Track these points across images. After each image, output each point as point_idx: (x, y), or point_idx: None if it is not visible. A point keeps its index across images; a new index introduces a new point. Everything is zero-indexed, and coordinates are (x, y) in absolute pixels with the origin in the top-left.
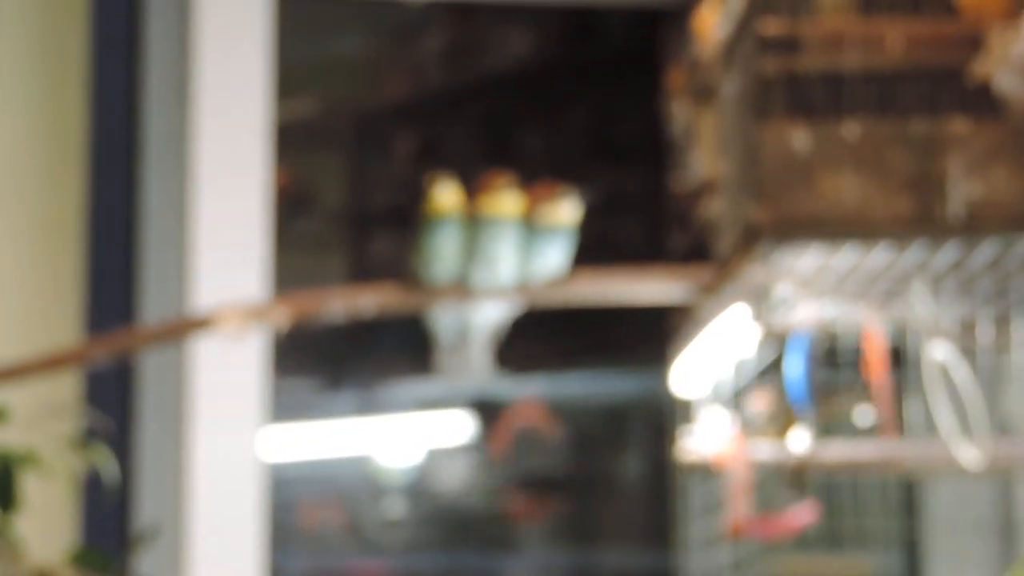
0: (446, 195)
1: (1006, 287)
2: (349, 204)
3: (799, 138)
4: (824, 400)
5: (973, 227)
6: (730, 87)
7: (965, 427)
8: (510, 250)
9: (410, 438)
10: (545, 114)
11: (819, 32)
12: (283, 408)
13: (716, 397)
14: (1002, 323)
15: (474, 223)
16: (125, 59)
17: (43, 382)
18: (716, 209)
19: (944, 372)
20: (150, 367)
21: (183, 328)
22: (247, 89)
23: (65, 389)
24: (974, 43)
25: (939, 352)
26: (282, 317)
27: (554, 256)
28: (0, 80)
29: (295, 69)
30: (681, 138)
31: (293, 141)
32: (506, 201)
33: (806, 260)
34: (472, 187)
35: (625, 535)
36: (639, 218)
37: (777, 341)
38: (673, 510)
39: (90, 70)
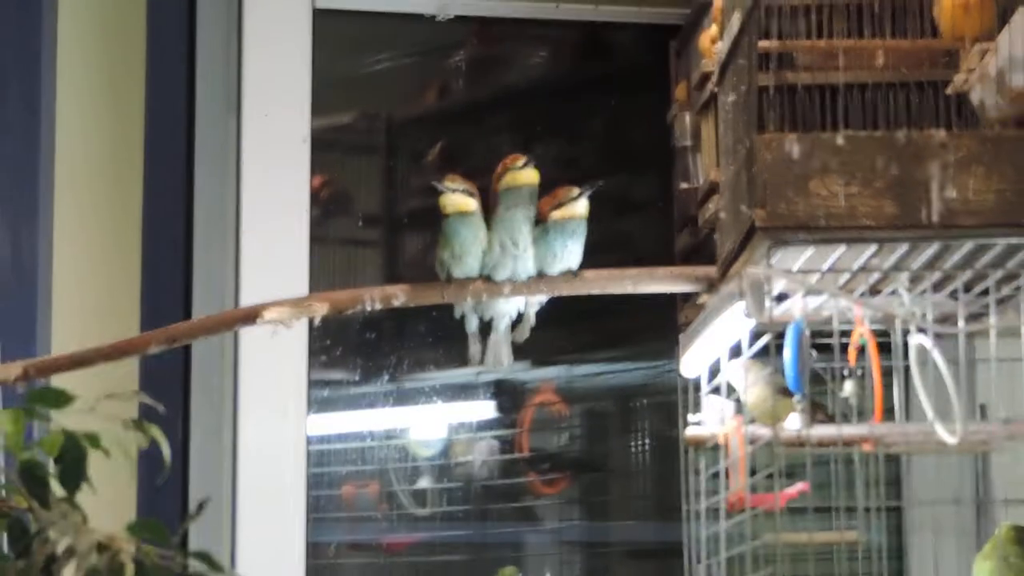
0: (465, 195)
1: (980, 282)
2: (382, 206)
3: (793, 146)
4: (815, 384)
5: (951, 228)
6: (730, 99)
7: (944, 409)
8: (527, 228)
9: (439, 420)
10: (562, 123)
11: (810, 48)
12: (324, 394)
13: (718, 382)
14: (977, 315)
15: (495, 204)
16: (180, 77)
17: (106, 369)
18: (718, 211)
19: (924, 358)
20: (202, 355)
21: (232, 320)
22: (290, 101)
23: (126, 375)
24: (953, 59)
25: (920, 341)
26: (321, 310)
27: (570, 251)
28: (68, 101)
29: (333, 83)
30: (686, 146)
31: (331, 149)
32: (522, 173)
33: (800, 257)
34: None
35: (634, 508)
36: (649, 219)
37: (773, 331)
38: (678, 485)
39: (148, 88)
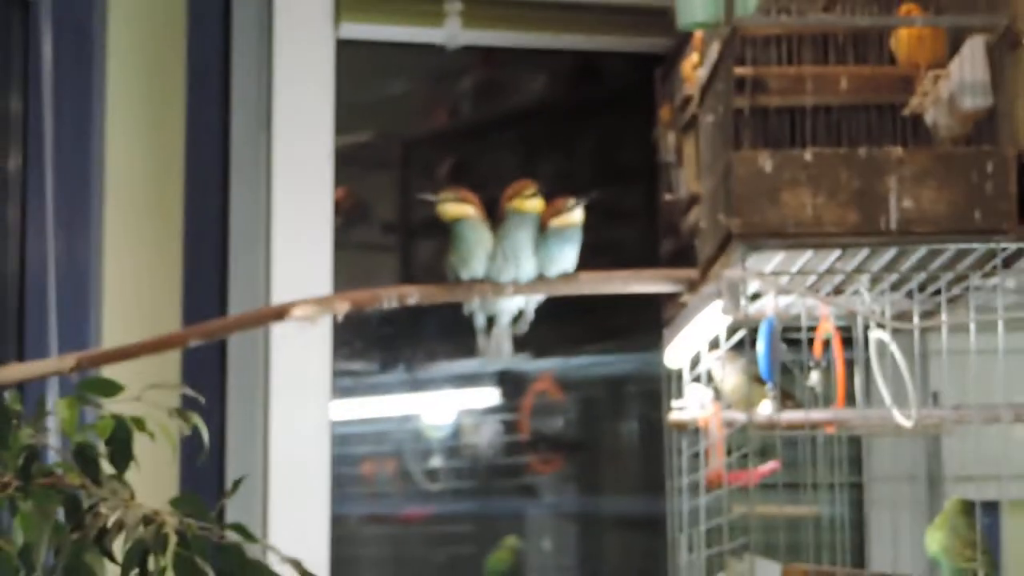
0: (460, 202)
1: (933, 283)
2: (398, 215)
3: (765, 161)
4: (785, 373)
5: (906, 235)
6: (709, 119)
7: (900, 396)
8: (529, 247)
9: (449, 406)
10: (559, 141)
11: (781, 74)
12: (346, 383)
13: (698, 372)
14: (929, 312)
15: (503, 220)
16: (217, 99)
17: (151, 361)
18: (698, 219)
19: (883, 351)
20: (237, 348)
21: (264, 316)
22: (315, 122)
23: (168, 366)
24: (908, 84)
25: (879, 335)
26: (343, 308)
27: (566, 255)
28: (116, 123)
29: (354, 105)
30: (670, 161)
31: (352, 163)
32: (530, 200)
33: (771, 261)
34: (500, 198)
35: (623, 484)
36: (636, 227)
37: (748, 327)
38: (662, 463)
39: (188, 112)
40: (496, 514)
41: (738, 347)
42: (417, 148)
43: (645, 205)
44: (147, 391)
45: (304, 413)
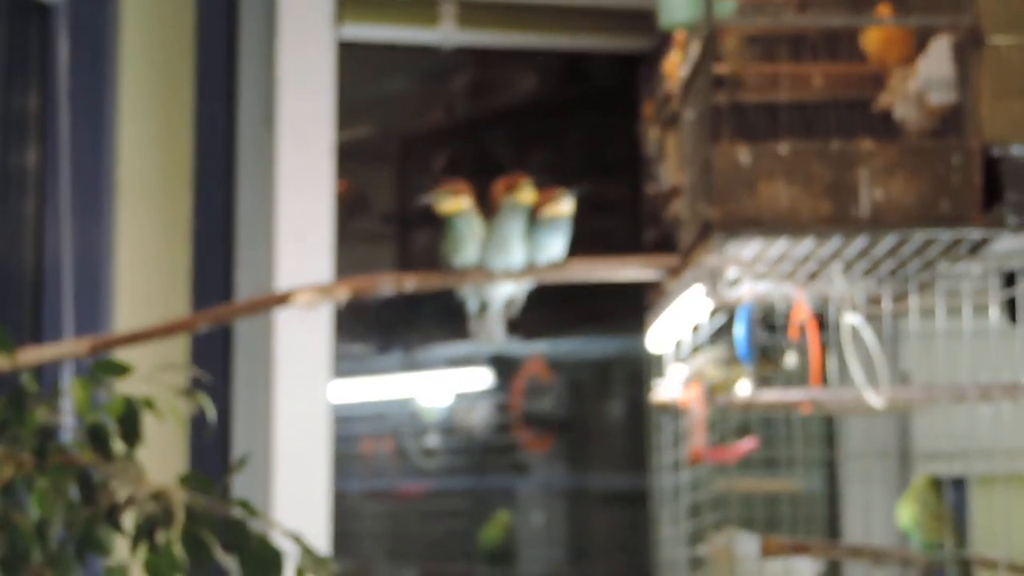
0: (455, 196)
1: (902, 269)
2: (396, 207)
3: (743, 155)
4: (762, 355)
5: (877, 224)
6: (690, 115)
7: (872, 376)
8: (520, 236)
9: (444, 387)
10: (548, 136)
11: (758, 72)
12: (346, 365)
13: (680, 354)
14: (899, 297)
15: (496, 211)
16: (224, 97)
17: (161, 344)
18: (679, 210)
19: (855, 334)
20: (243, 332)
21: (268, 302)
22: (318, 117)
23: (177, 349)
24: (879, 81)
25: (851, 319)
26: (344, 294)
27: (555, 244)
28: (128, 121)
29: (354, 103)
30: (653, 154)
31: (353, 158)
32: (523, 193)
33: (749, 249)
34: (493, 190)
35: (609, 461)
36: (621, 217)
37: (726, 311)
38: (647, 441)
39: (197, 110)
40: (489, 490)
41: (718, 330)
42: (414, 143)
43: (629, 196)
44: (157, 373)
45: (306, 394)
